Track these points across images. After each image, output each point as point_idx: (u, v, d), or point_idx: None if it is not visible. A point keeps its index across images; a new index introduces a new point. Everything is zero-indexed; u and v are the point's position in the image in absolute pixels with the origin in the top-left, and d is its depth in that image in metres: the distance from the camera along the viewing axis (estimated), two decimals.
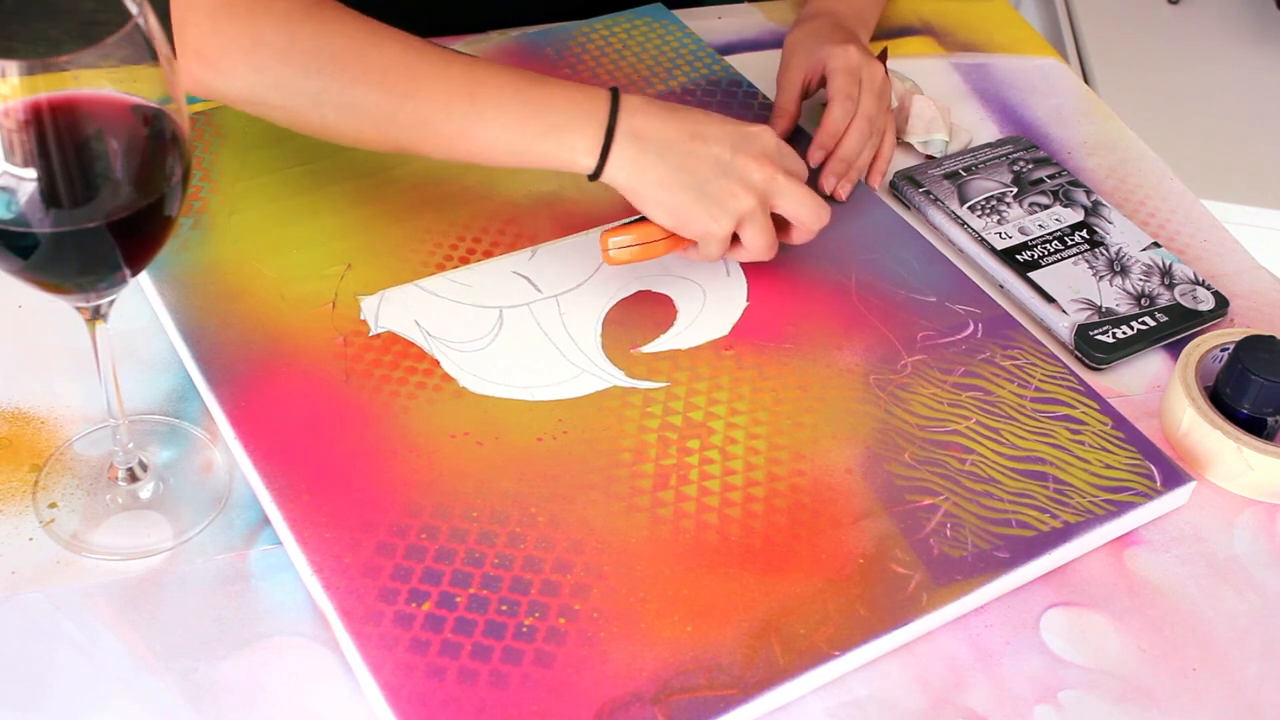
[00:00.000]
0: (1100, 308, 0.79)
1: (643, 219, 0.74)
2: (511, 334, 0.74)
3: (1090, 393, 0.73)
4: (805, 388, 0.72)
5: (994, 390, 0.73)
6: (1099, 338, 0.77)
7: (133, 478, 0.66)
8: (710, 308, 0.76)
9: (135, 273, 0.57)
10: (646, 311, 0.76)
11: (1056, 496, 0.67)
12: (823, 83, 0.87)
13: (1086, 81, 1.32)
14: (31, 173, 0.50)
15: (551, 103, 0.72)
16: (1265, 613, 0.66)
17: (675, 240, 0.75)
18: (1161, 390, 0.76)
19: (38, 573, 0.62)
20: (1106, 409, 0.72)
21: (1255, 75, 1.54)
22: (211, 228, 0.78)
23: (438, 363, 0.71)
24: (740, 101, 0.91)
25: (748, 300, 0.77)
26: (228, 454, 0.68)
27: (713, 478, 0.67)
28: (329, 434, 0.67)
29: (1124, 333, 0.78)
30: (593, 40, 0.96)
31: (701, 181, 0.72)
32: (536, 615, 0.60)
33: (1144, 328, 0.78)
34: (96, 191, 0.53)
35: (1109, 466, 0.69)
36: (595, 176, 0.72)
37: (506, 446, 0.68)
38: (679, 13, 1.01)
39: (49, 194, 0.51)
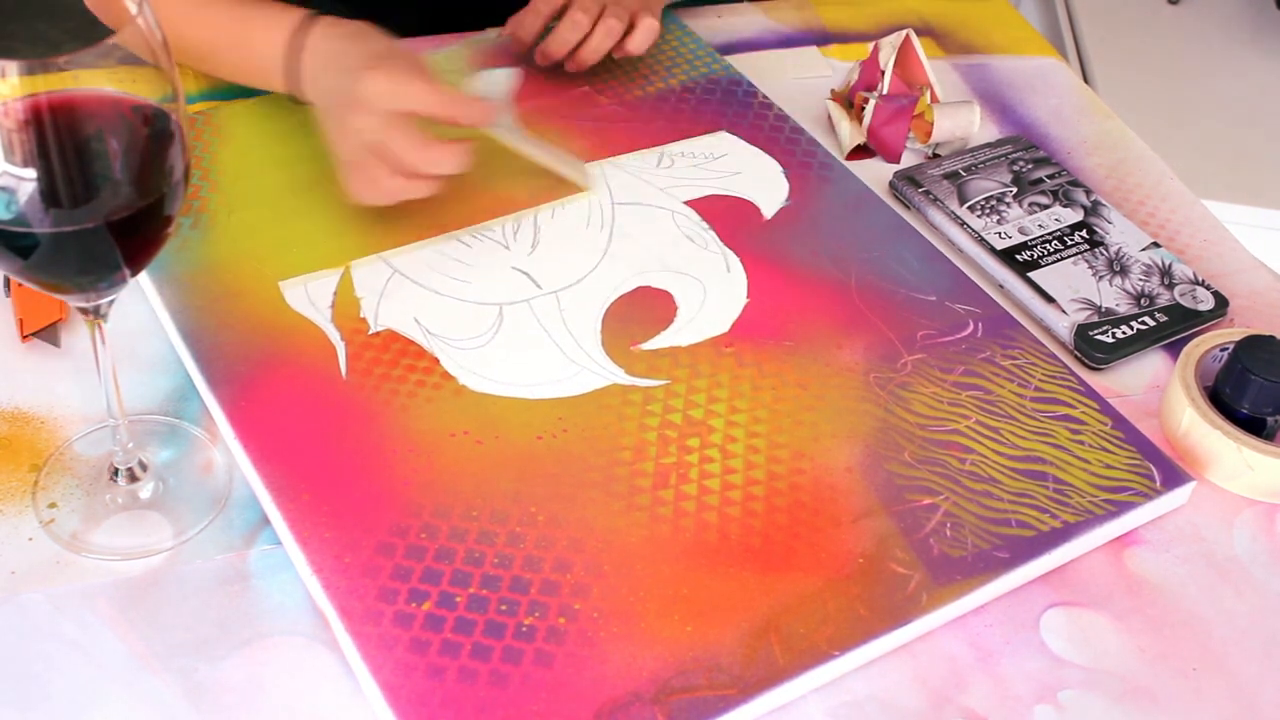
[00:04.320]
0: (1100, 308, 0.79)
1: None
2: (511, 331, 0.73)
3: (1090, 392, 0.73)
4: (805, 386, 0.72)
5: (994, 390, 0.73)
6: (1099, 338, 0.77)
7: (132, 478, 0.66)
8: (710, 304, 0.76)
9: (135, 273, 0.57)
10: (646, 308, 0.76)
11: (1056, 496, 0.67)
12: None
13: (1086, 81, 1.32)
14: (31, 173, 0.50)
15: (251, 34, 0.81)
16: (1265, 613, 0.66)
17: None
18: (1161, 390, 0.76)
19: (37, 573, 0.62)
20: (1106, 409, 0.72)
21: (1255, 75, 1.54)
22: (211, 227, 0.78)
23: (437, 360, 0.71)
24: (740, 100, 0.91)
25: (748, 297, 0.77)
26: (227, 454, 0.68)
27: (713, 476, 0.67)
28: (328, 433, 0.67)
29: (1124, 333, 0.78)
30: None
31: (328, 113, 0.77)
32: (536, 615, 0.60)
33: (1144, 328, 0.78)
34: (96, 191, 0.53)
35: (1109, 466, 0.69)
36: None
37: (506, 445, 0.67)
38: (679, 12, 1.01)
39: (49, 194, 0.51)
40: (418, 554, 0.62)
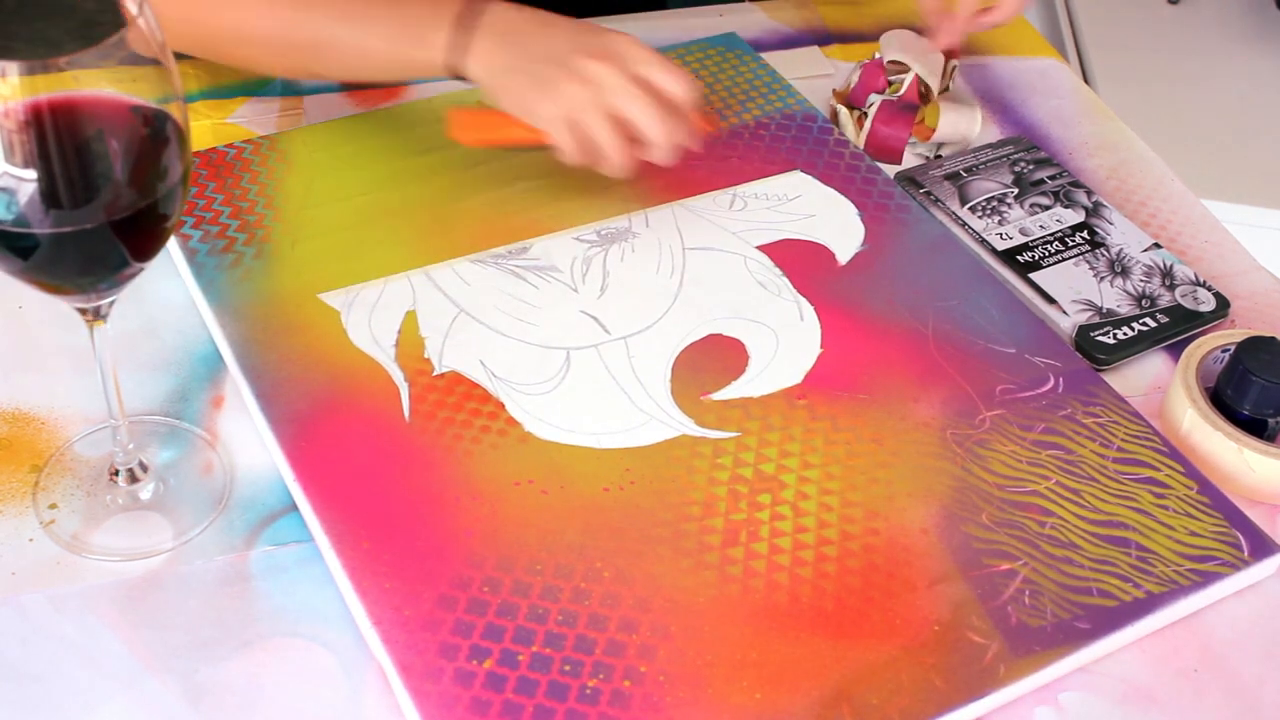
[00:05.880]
0: (1101, 309, 0.79)
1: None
2: (579, 376, 0.71)
3: (1174, 454, 0.70)
4: (880, 441, 0.69)
5: (1075, 449, 0.70)
6: (1100, 339, 0.77)
7: (133, 478, 0.66)
8: (783, 354, 0.73)
9: (136, 273, 0.57)
10: (717, 356, 0.73)
11: (1139, 564, 0.64)
12: None
13: (1086, 82, 1.32)
14: (31, 173, 0.50)
15: (411, 9, 0.77)
16: (1265, 613, 0.65)
17: (526, 129, 0.76)
18: (1163, 391, 0.76)
19: (38, 574, 0.62)
20: (1191, 472, 0.69)
21: (1255, 75, 1.54)
22: (274, 257, 0.76)
23: (503, 405, 0.69)
24: (815, 137, 0.88)
25: (821, 347, 0.74)
26: (227, 455, 0.68)
27: (784, 535, 0.64)
28: (390, 478, 0.65)
29: (1125, 334, 0.78)
30: None
31: (537, 67, 0.75)
32: (601, 677, 0.58)
33: (1145, 329, 0.78)
34: (96, 192, 0.52)
35: (1194, 534, 0.66)
36: (457, 76, 0.77)
37: (572, 496, 0.65)
38: (680, 12, 1.01)
39: (49, 195, 0.51)
40: (480, 608, 0.60)
